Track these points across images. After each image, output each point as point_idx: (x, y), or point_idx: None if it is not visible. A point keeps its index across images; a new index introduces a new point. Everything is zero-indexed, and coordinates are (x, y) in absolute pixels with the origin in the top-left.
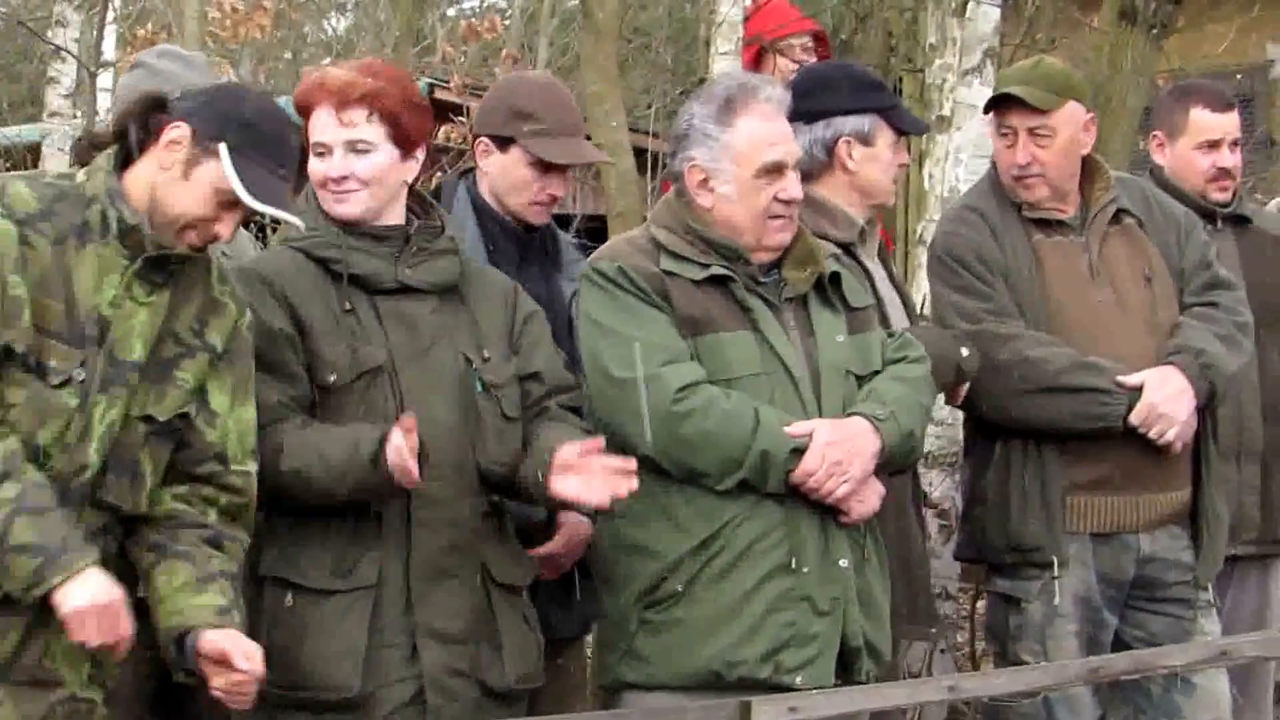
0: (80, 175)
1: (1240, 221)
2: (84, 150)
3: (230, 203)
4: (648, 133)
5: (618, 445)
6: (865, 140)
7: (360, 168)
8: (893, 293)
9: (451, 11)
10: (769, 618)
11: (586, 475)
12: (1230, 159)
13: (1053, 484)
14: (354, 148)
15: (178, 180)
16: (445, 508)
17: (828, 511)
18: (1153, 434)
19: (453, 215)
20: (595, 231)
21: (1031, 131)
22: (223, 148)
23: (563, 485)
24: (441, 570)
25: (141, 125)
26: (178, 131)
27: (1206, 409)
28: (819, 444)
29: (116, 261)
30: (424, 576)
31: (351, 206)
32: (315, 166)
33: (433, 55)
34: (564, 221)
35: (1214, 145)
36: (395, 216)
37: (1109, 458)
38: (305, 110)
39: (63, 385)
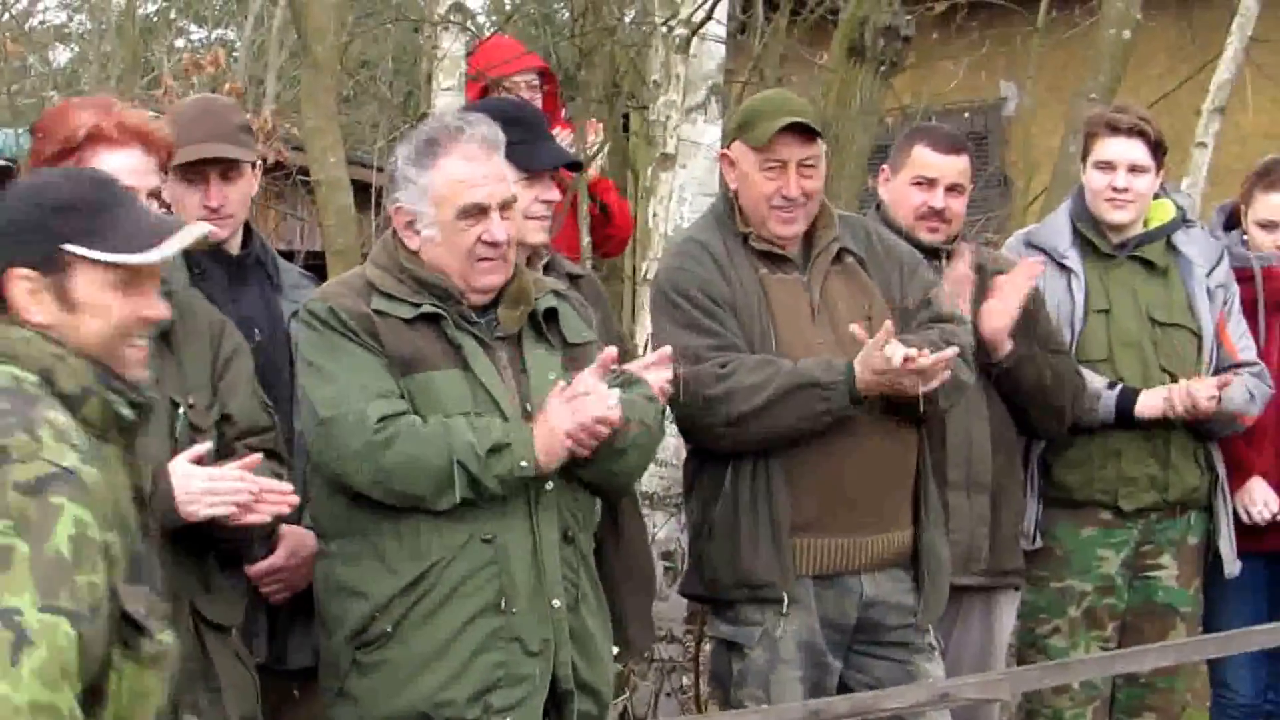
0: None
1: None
2: None
3: (133, 286)
4: (375, 167)
5: (335, 485)
6: None
7: None
8: None
9: (180, 43)
10: (478, 658)
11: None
12: (942, 201)
13: (781, 520)
14: None
15: (69, 318)
16: None
17: (542, 547)
18: (923, 361)
19: None
20: (318, 269)
21: (800, 163)
22: (70, 249)
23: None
24: None
25: None
26: (22, 283)
27: (929, 441)
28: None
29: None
30: None
31: None
32: None
33: (158, 89)
34: (287, 258)
35: (929, 184)
36: None
37: (833, 496)
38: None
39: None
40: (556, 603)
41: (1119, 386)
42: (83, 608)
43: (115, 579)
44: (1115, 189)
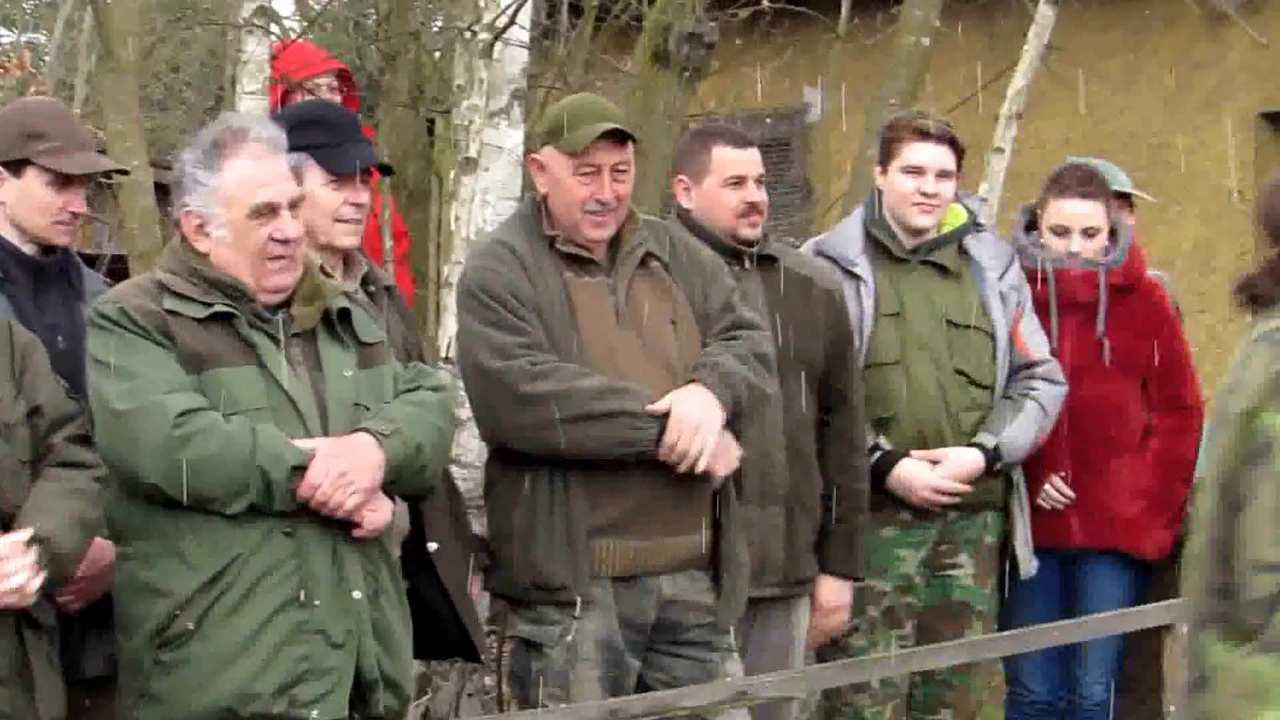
0: None
1: (768, 262)
2: None
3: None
4: None
5: (125, 480)
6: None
7: None
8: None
9: None
10: (282, 651)
11: None
12: (758, 194)
13: (578, 523)
14: None
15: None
16: None
17: (340, 540)
18: (691, 450)
19: None
20: (121, 273)
21: (614, 168)
22: None
23: None
24: None
25: None
26: None
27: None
28: (322, 456)
29: None
30: None
31: None
32: None
33: None
34: (91, 262)
35: (740, 181)
36: None
37: (632, 500)
38: None
39: None
40: (358, 594)
41: (878, 453)
42: None
43: None
44: (925, 194)
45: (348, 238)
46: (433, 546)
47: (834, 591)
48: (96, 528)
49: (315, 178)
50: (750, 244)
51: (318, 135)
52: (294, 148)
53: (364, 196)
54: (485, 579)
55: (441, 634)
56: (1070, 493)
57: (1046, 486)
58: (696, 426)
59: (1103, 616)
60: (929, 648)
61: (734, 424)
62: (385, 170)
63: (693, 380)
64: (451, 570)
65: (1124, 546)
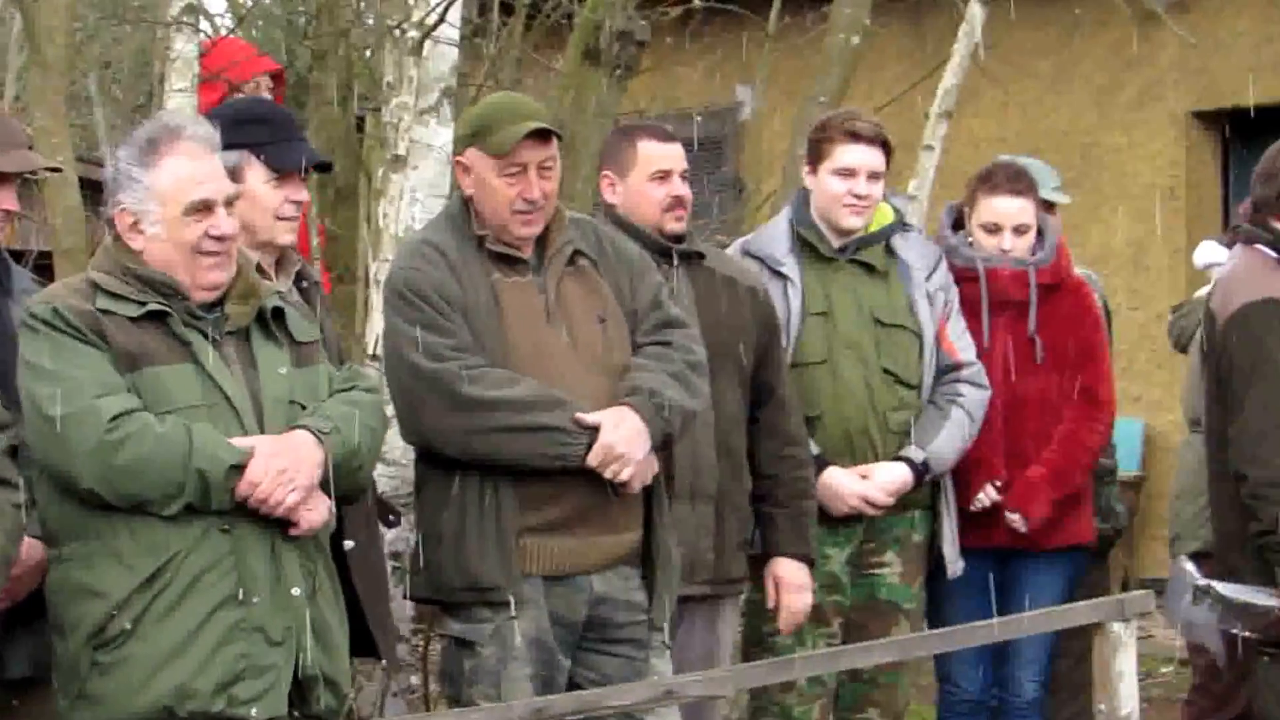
0: None
1: (694, 259)
2: None
3: None
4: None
5: (64, 489)
6: (232, 176)
7: None
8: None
9: None
10: (220, 650)
11: None
12: (682, 188)
13: (509, 524)
14: None
15: None
16: None
17: (278, 537)
18: (608, 474)
19: None
20: (46, 269)
21: (539, 165)
22: None
23: None
24: None
25: None
26: None
27: (662, 449)
28: (262, 454)
29: None
30: None
31: None
32: None
33: None
34: (18, 258)
35: (665, 176)
36: None
37: (563, 499)
38: None
39: None
40: (296, 591)
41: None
42: None
43: None
44: (857, 195)
45: (288, 235)
46: (349, 545)
47: (793, 571)
48: (8, 554)
49: (258, 175)
50: (676, 239)
51: (260, 132)
52: (236, 144)
53: (304, 194)
54: (410, 582)
55: (354, 632)
56: (1015, 515)
57: (980, 495)
58: (620, 456)
59: (1032, 615)
60: (858, 646)
61: (662, 449)
62: (325, 168)
63: (627, 404)
64: (364, 569)
65: (1054, 543)
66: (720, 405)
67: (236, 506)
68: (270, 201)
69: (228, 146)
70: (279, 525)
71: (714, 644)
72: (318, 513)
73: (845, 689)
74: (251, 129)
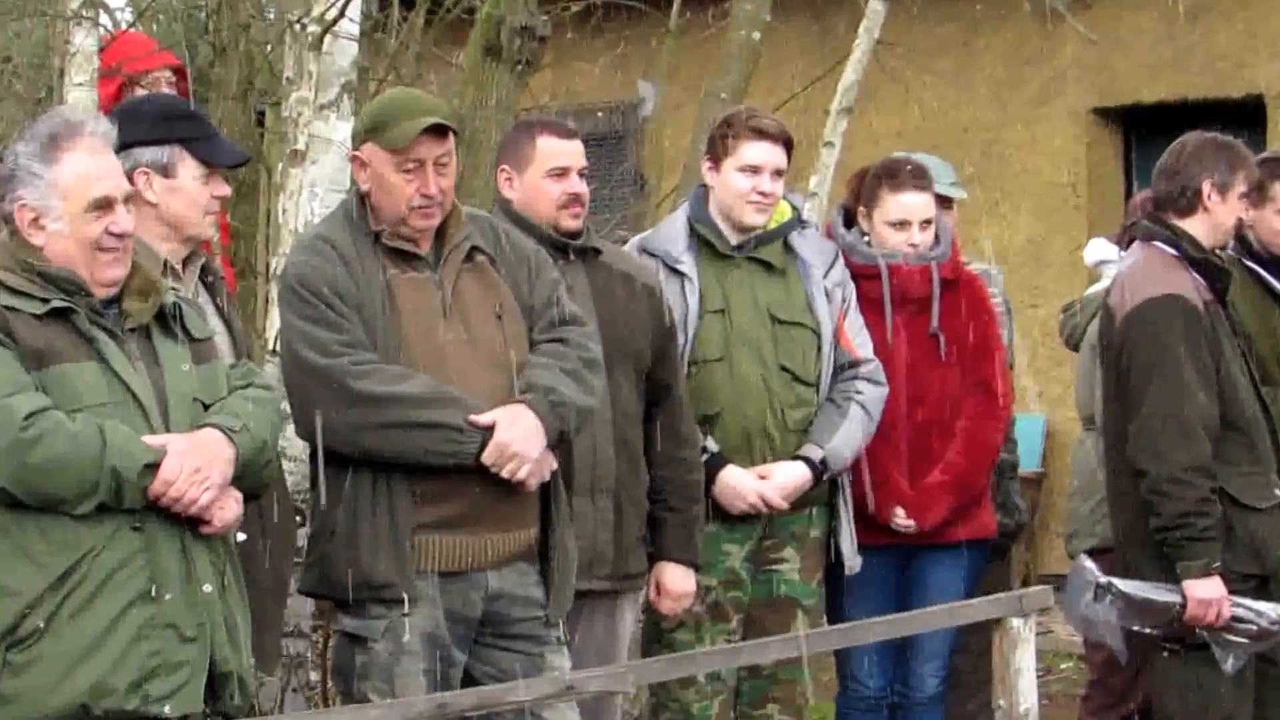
0: None
1: (591, 256)
2: None
3: None
4: None
5: None
6: (165, 172)
7: None
8: (222, 326)
9: None
10: (134, 647)
11: None
12: (580, 186)
13: (403, 522)
14: None
15: None
16: None
17: (188, 534)
18: (504, 473)
19: None
20: None
21: (436, 161)
22: None
23: None
24: None
25: None
26: None
27: (557, 446)
28: (175, 453)
29: None
30: None
31: None
32: None
33: None
34: None
35: (563, 173)
36: None
37: (458, 496)
38: None
39: None
40: (208, 588)
41: (705, 455)
42: None
43: None
44: (761, 193)
45: (212, 229)
46: (241, 538)
47: (678, 579)
48: None
49: (189, 170)
50: (572, 235)
51: (189, 128)
52: (164, 139)
53: (227, 189)
54: (303, 578)
55: None
56: (910, 523)
57: (894, 524)
58: (515, 455)
59: (932, 610)
60: (756, 642)
61: (558, 446)
62: (243, 164)
63: (522, 401)
64: (250, 565)
65: (955, 537)
66: (617, 401)
67: (147, 504)
68: (200, 196)
69: (157, 141)
70: (189, 522)
71: (613, 640)
72: (229, 510)
73: (745, 685)
74: (181, 124)
